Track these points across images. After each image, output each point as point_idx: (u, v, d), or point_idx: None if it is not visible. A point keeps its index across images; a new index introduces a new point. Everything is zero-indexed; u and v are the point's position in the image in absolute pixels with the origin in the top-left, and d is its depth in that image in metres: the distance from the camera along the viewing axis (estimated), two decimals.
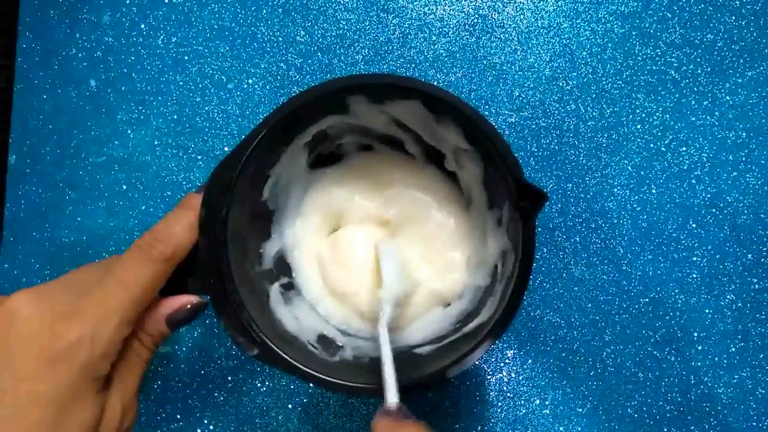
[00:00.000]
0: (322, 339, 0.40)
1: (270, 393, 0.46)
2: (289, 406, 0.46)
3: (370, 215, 0.43)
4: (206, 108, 0.47)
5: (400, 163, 0.43)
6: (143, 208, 0.47)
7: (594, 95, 0.46)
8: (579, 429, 0.45)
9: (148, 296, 0.33)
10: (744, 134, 0.46)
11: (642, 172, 0.46)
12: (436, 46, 0.47)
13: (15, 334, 0.30)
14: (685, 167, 0.46)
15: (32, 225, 0.47)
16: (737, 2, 0.46)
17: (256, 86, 0.47)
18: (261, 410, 0.46)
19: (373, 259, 0.42)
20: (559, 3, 0.47)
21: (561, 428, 0.45)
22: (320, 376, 0.34)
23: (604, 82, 0.46)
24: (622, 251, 0.46)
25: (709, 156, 0.46)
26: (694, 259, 0.45)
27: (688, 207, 0.46)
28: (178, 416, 0.46)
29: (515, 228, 0.35)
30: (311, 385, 0.46)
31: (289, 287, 0.42)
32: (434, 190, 0.42)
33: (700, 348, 0.45)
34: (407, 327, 0.42)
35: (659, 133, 0.46)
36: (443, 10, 0.47)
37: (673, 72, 0.46)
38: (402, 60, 0.47)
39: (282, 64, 0.48)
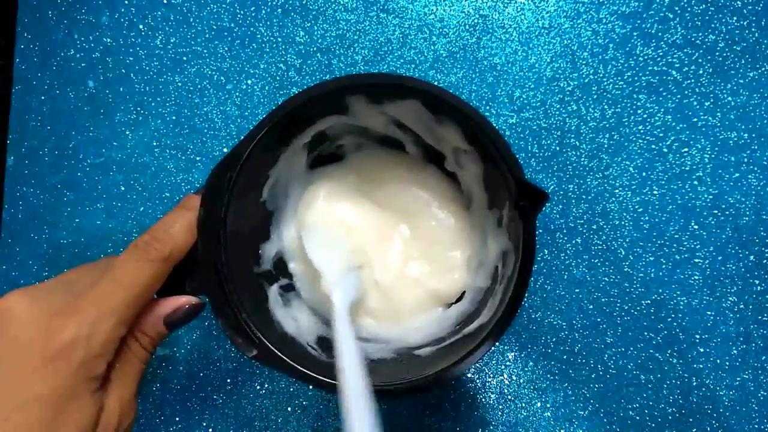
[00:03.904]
0: (322, 340, 0.40)
1: (269, 395, 0.46)
2: (289, 408, 0.46)
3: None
4: (205, 109, 0.47)
5: (400, 163, 0.42)
6: (142, 209, 0.47)
7: (595, 96, 0.46)
8: None
9: (145, 296, 0.33)
10: (746, 135, 0.46)
11: (644, 173, 0.46)
12: (436, 47, 0.47)
13: (10, 334, 0.30)
14: (687, 168, 0.46)
15: (30, 226, 0.47)
16: (739, 3, 0.46)
17: (255, 87, 0.47)
18: (260, 412, 0.46)
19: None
20: (560, 3, 0.47)
21: (562, 431, 0.45)
22: (319, 377, 0.34)
23: (605, 83, 0.46)
24: (623, 253, 0.45)
25: (711, 157, 0.46)
26: (696, 260, 0.45)
27: (690, 208, 0.45)
28: (177, 419, 0.46)
29: (516, 228, 0.35)
30: (310, 387, 0.46)
31: (289, 289, 0.42)
32: (434, 190, 0.42)
33: (701, 350, 0.45)
34: (406, 327, 0.41)
35: (661, 134, 0.46)
36: (443, 11, 0.47)
37: (674, 72, 0.46)
38: (402, 60, 0.47)
39: (281, 65, 0.47)
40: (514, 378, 0.46)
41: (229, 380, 0.46)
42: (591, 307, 0.45)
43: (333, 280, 0.38)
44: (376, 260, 0.42)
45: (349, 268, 0.39)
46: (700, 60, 0.46)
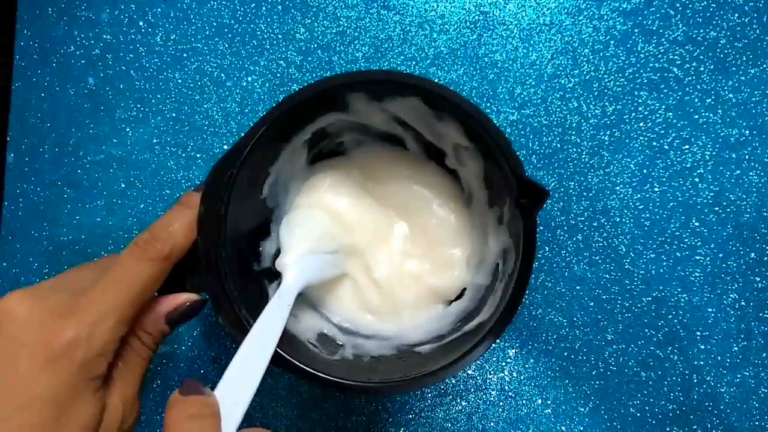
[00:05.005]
0: (322, 337, 0.40)
1: (269, 391, 0.46)
2: (289, 404, 0.46)
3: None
4: (205, 106, 0.47)
5: (400, 160, 0.42)
6: (142, 206, 0.47)
7: (596, 93, 0.46)
8: (581, 428, 0.45)
9: (145, 295, 0.33)
10: (747, 132, 0.45)
11: (644, 170, 0.46)
12: (437, 43, 0.47)
13: (11, 334, 0.30)
14: (688, 165, 0.46)
15: (30, 224, 0.47)
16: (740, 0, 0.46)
17: (255, 84, 0.47)
18: (261, 409, 0.46)
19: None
20: (561, 0, 0.47)
21: (563, 428, 0.45)
22: (320, 374, 0.34)
23: (606, 80, 0.46)
24: (624, 250, 0.45)
25: (712, 154, 0.45)
26: (697, 257, 0.45)
27: (691, 205, 0.45)
28: None
29: (516, 226, 0.34)
30: (311, 384, 0.46)
31: None
32: (435, 187, 0.42)
33: (702, 347, 0.45)
34: (406, 324, 0.41)
35: (662, 131, 0.46)
36: (444, 7, 0.47)
37: (675, 69, 0.46)
38: (402, 57, 0.47)
39: (281, 62, 0.47)
40: (515, 375, 0.46)
41: None
42: (592, 304, 0.45)
43: (291, 258, 0.38)
44: (376, 257, 0.42)
45: (313, 250, 0.39)
46: (701, 57, 0.46)
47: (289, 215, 0.41)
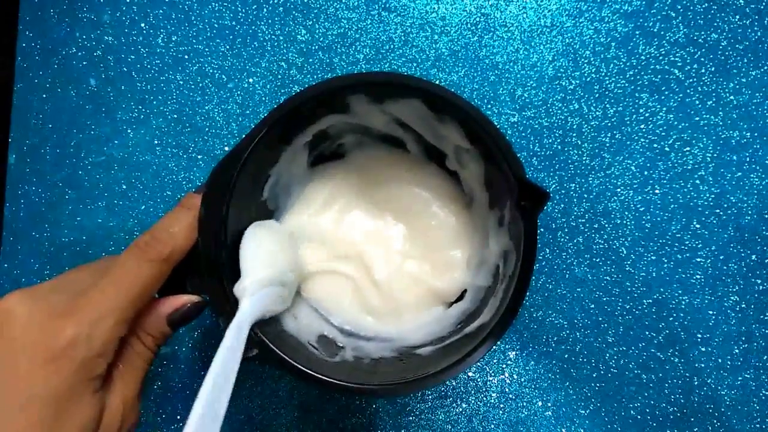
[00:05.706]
0: (322, 339, 0.40)
1: (270, 393, 0.46)
2: (289, 406, 0.46)
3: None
4: (206, 107, 0.47)
5: (401, 162, 0.42)
6: (143, 207, 0.47)
7: (597, 95, 0.46)
8: (581, 431, 0.45)
9: (145, 296, 0.33)
10: (748, 134, 0.45)
11: (645, 172, 0.46)
12: (438, 45, 0.47)
13: (11, 334, 0.30)
14: (689, 167, 0.45)
15: (32, 225, 0.47)
16: (741, 1, 0.46)
17: (256, 85, 0.47)
18: (261, 410, 0.46)
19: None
20: (562, 1, 0.47)
21: (563, 430, 0.45)
22: (320, 376, 0.34)
23: (607, 82, 0.46)
24: (625, 252, 0.45)
25: (713, 156, 0.45)
26: (698, 259, 0.45)
27: (692, 207, 0.45)
28: (178, 417, 0.46)
29: (517, 228, 0.34)
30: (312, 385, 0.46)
31: None
32: (435, 188, 0.42)
33: (703, 349, 0.45)
34: (407, 325, 0.41)
35: (663, 133, 0.46)
36: (445, 9, 0.47)
37: (676, 71, 0.46)
38: (404, 59, 0.47)
39: (282, 63, 0.47)
40: (515, 377, 0.46)
41: None
42: (592, 306, 0.45)
43: (248, 286, 0.34)
44: (376, 259, 0.42)
45: (275, 278, 0.36)
46: (702, 59, 0.46)
47: (254, 232, 0.37)
